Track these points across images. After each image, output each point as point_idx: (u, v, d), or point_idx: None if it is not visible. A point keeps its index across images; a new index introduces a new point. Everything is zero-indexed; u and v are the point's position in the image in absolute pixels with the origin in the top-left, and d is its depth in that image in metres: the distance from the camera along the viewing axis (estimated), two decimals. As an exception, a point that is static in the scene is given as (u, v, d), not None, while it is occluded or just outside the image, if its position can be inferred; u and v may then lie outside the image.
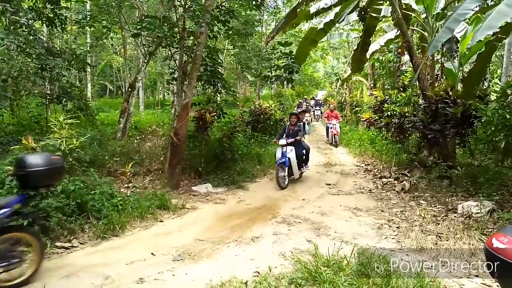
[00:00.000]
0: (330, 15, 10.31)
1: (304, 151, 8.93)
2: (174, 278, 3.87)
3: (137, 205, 5.97)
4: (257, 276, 3.80)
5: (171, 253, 4.58)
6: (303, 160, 8.90)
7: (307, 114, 19.48)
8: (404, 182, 7.94)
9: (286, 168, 8.29)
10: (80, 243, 4.89)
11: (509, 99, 6.10)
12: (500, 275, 2.32)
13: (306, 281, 3.54)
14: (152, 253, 4.56)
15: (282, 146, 8.46)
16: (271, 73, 10.16)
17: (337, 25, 11.93)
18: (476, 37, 5.80)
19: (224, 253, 4.56)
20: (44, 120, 10.08)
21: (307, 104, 22.99)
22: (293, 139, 8.54)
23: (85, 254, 4.58)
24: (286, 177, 8.34)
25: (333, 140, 15.41)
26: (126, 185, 7.18)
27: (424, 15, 9.47)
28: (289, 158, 8.29)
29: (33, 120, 10.41)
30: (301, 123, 9.32)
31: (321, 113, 26.05)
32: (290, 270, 3.88)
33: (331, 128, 15.56)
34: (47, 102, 10.36)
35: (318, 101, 29.79)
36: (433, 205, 6.44)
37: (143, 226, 5.66)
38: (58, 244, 4.73)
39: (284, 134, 8.97)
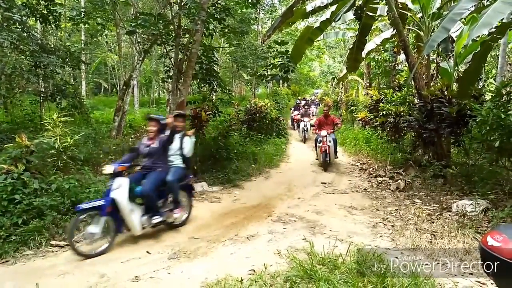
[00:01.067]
0: (326, 14, 10.30)
1: (167, 185, 5.29)
2: (169, 277, 3.87)
3: (132, 204, 5.93)
4: (253, 274, 3.79)
5: (167, 251, 4.58)
6: (156, 202, 5.10)
7: (306, 119, 16.15)
8: (399, 181, 7.97)
9: (103, 219, 4.55)
10: (76, 242, 4.86)
11: (503, 99, 6.13)
12: (494, 273, 2.33)
13: (301, 279, 3.55)
14: (147, 252, 4.56)
15: (112, 176, 4.79)
16: (267, 72, 10.14)
17: (333, 24, 11.94)
18: (472, 34, 5.82)
19: (220, 252, 4.56)
20: (38, 118, 10.02)
21: (306, 107, 18.39)
22: (127, 165, 4.93)
23: (80, 253, 4.56)
24: (108, 236, 4.67)
25: (322, 159, 10.29)
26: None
27: (420, 15, 9.49)
28: (113, 200, 4.63)
29: (27, 118, 10.34)
30: (164, 136, 5.27)
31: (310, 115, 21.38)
32: (285, 268, 3.88)
33: (320, 142, 10.36)
34: (41, 100, 10.30)
35: (313, 101, 27.54)
36: (427, 204, 6.48)
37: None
38: (53, 242, 4.73)
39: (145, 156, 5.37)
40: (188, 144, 5.77)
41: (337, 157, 11.04)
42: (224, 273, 3.78)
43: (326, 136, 10.24)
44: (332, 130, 10.68)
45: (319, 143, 10.39)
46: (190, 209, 5.83)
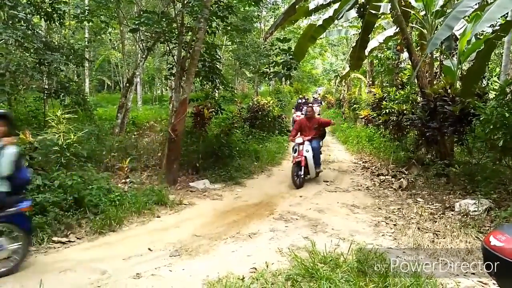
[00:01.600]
0: (329, 12, 10.26)
1: None
2: (171, 274, 3.87)
3: (135, 201, 5.96)
4: (254, 272, 3.80)
5: (168, 248, 4.58)
6: None
7: None
8: (402, 179, 7.95)
9: None
10: (77, 238, 4.89)
11: (507, 97, 6.10)
12: (497, 273, 2.32)
13: (303, 277, 3.54)
14: (149, 249, 4.56)
15: None
16: (270, 69, 10.13)
17: (336, 21, 11.89)
18: (476, 29, 5.80)
19: (221, 249, 4.56)
20: (41, 115, 10.05)
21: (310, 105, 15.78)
22: None
23: (82, 249, 4.58)
24: None
25: (294, 173, 7.86)
26: (123, 180, 7.16)
27: (423, 13, 9.45)
28: None
29: (30, 114, 10.38)
30: None
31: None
32: (287, 267, 3.88)
33: (295, 152, 8.19)
34: (45, 97, 10.33)
35: (316, 99, 25.42)
36: (430, 203, 6.45)
37: (140, 221, 5.65)
38: (55, 238, 4.73)
39: None
40: (8, 158, 3.89)
41: (321, 170, 8.75)
42: (226, 271, 3.78)
43: (302, 143, 8.11)
44: (313, 136, 8.40)
45: (294, 152, 8.20)
46: (26, 251, 4.02)
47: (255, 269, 3.87)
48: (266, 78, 11.14)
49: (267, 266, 3.84)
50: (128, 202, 5.86)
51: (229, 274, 3.69)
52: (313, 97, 27.88)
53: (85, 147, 7.13)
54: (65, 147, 6.00)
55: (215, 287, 3.44)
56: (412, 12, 9.65)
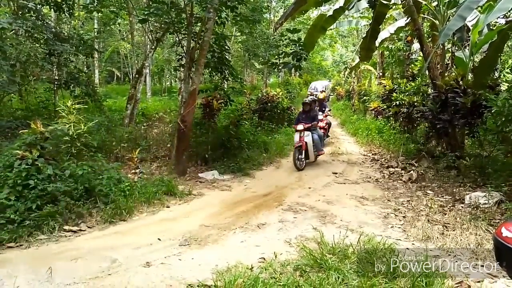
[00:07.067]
0: (340, 2, 10.13)
1: None
2: (180, 263, 3.92)
3: (144, 191, 6.02)
4: (263, 262, 3.82)
5: (178, 238, 4.62)
6: None
7: (300, 126, 9.28)
8: (412, 172, 7.89)
9: None
10: (88, 227, 4.96)
11: (520, 90, 6.01)
12: (508, 264, 2.31)
13: (311, 268, 3.56)
14: (158, 238, 4.60)
15: None
16: (279, 60, 10.06)
17: (346, 12, 11.75)
18: (488, 19, 5.72)
19: (230, 239, 4.59)
20: (52, 105, 10.16)
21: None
22: None
23: (93, 238, 4.64)
24: None
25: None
26: (133, 170, 7.22)
27: (435, 3, 9.31)
28: None
29: (41, 105, 10.50)
30: None
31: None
32: (295, 257, 3.90)
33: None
34: (55, 88, 10.42)
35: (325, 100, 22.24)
36: (440, 195, 6.41)
37: (150, 211, 5.72)
38: (66, 227, 4.81)
39: None
40: None
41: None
42: (235, 260, 3.81)
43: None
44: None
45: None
46: None
47: (264, 259, 3.90)
48: (276, 69, 11.07)
49: (275, 256, 3.86)
50: (138, 192, 5.92)
51: (238, 264, 3.72)
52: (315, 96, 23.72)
53: (95, 137, 7.19)
54: (75, 137, 6.05)
55: (224, 276, 3.46)
56: (424, 2, 9.49)
